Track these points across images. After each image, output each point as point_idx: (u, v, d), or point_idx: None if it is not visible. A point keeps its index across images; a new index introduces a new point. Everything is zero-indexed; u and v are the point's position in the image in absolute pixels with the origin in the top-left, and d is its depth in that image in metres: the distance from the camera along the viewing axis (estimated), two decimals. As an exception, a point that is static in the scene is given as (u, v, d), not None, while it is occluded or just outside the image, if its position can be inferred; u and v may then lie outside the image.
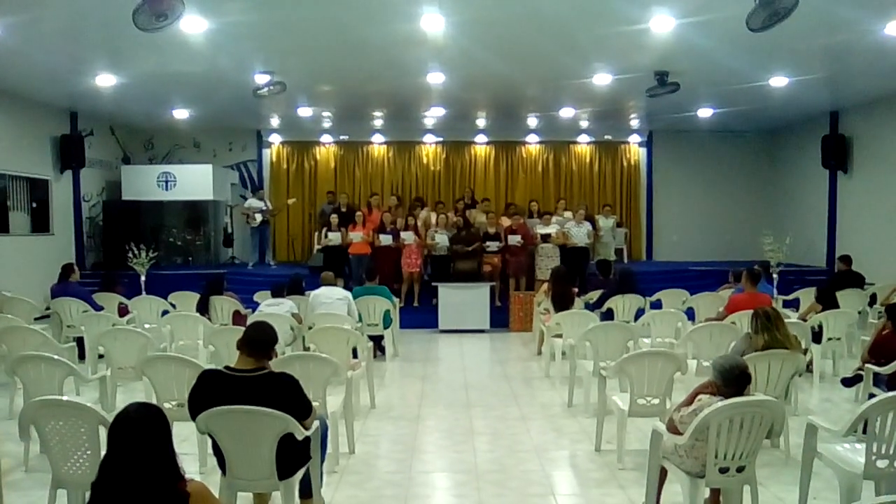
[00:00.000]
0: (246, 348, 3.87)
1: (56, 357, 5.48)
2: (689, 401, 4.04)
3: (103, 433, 3.91)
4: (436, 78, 11.17)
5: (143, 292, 11.34)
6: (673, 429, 4.01)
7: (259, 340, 3.92)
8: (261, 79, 10.70)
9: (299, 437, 3.78)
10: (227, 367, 3.86)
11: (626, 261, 15.61)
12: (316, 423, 4.06)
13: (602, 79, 11.24)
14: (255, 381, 3.75)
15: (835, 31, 8.82)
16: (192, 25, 8.17)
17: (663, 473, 4.27)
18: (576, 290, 9.69)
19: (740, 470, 3.88)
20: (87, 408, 3.84)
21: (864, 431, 4.05)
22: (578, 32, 8.96)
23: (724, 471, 3.85)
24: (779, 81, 11.48)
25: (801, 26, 8.28)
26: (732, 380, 3.82)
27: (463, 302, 11.91)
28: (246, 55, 9.88)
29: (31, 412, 3.86)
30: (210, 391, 3.75)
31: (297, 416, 3.76)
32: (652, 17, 8.24)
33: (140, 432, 2.57)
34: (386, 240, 12.55)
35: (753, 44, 9.19)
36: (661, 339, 8.06)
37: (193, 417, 3.75)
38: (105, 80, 11.03)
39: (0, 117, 11.98)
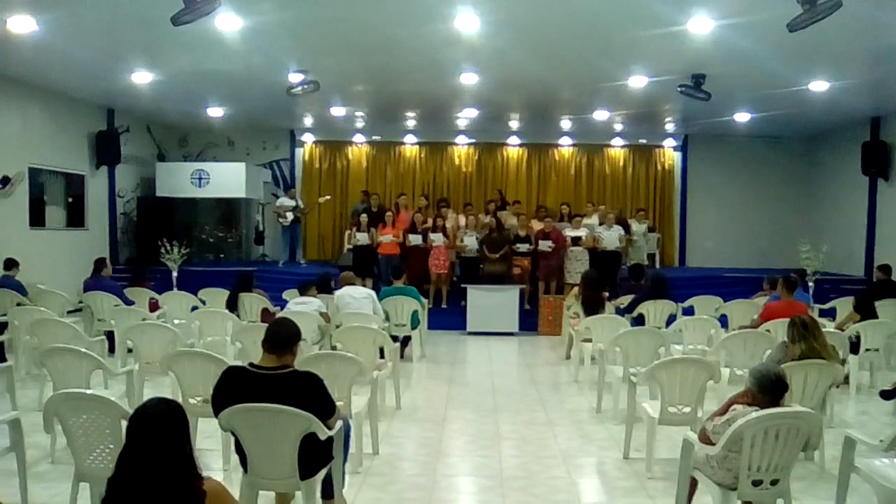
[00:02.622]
0: (268, 345, 3.83)
1: (83, 350, 5.49)
2: (723, 410, 3.92)
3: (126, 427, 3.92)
4: (469, 79, 11.11)
5: (175, 288, 11.45)
6: (705, 439, 3.90)
7: (281, 337, 3.87)
8: (294, 78, 10.72)
9: (322, 437, 3.73)
10: (251, 364, 3.82)
11: (657, 266, 15.39)
12: (339, 423, 4.01)
13: (637, 81, 11.08)
14: (278, 379, 3.71)
15: (878, 35, 8.60)
16: (228, 23, 8.21)
17: (694, 484, 4.15)
18: (606, 294, 9.55)
19: (774, 483, 3.76)
20: (110, 401, 3.83)
21: (906, 447, 3.90)
22: (614, 34, 8.84)
23: (757, 483, 3.73)
24: (819, 86, 11.23)
25: (843, 30, 8.10)
26: (769, 387, 3.70)
27: (491, 304, 11.82)
28: (280, 54, 9.90)
29: (54, 405, 3.86)
30: (233, 388, 3.71)
31: (321, 415, 3.71)
32: (690, 18, 8.09)
33: (157, 428, 2.53)
34: (415, 240, 12.52)
35: (794, 47, 9.02)
36: (694, 346, 7.91)
37: (216, 414, 3.71)
38: (141, 78, 11.14)
39: (38, 113, 12.17)
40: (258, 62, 10.19)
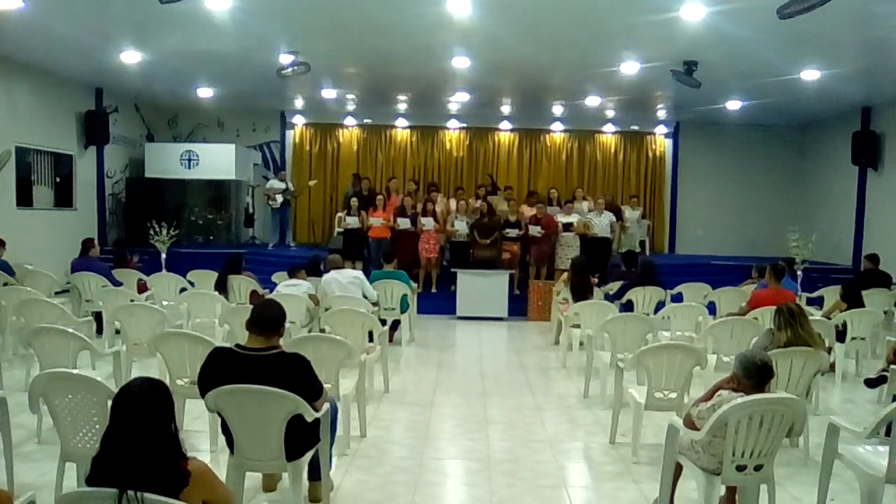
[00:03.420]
0: (254, 327, 3.82)
1: (70, 330, 5.46)
2: (709, 396, 3.94)
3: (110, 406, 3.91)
4: (461, 62, 11.06)
5: (163, 269, 11.41)
6: (690, 424, 3.92)
7: (266, 319, 3.85)
8: (285, 59, 10.64)
9: (309, 419, 3.73)
10: (237, 346, 3.81)
11: (647, 253, 15.41)
12: (326, 406, 4.01)
13: (630, 67, 11.06)
14: (265, 361, 3.70)
15: (869, 25, 8.61)
16: (217, 2, 8.12)
17: (678, 469, 4.17)
18: (595, 280, 9.58)
19: (758, 468, 3.78)
20: (97, 382, 3.82)
21: (888, 434, 3.93)
22: (608, 19, 8.81)
23: (741, 469, 3.75)
24: (810, 75, 11.25)
25: (835, 19, 8.10)
26: (754, 373, 3.72)
27: (481, 289, 11.82)
28: (271, 34, 9.82)
29: (40, 385, 3.85)
30: (220, 369, 3.70)
31: (308, 397, 3.71)
32: (682, 5, 8.07)
33: (142, 407, 2.52)
34: (404, 224, 12.50)
35: (786, 35, 9.03)
36: (681, 333, 7.95)
37: (203, 395, 3.71)
38: (130, 57, 11.03)
39: (26, 92, 12.06)
40: (248, 42, 10.10)
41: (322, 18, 9.12)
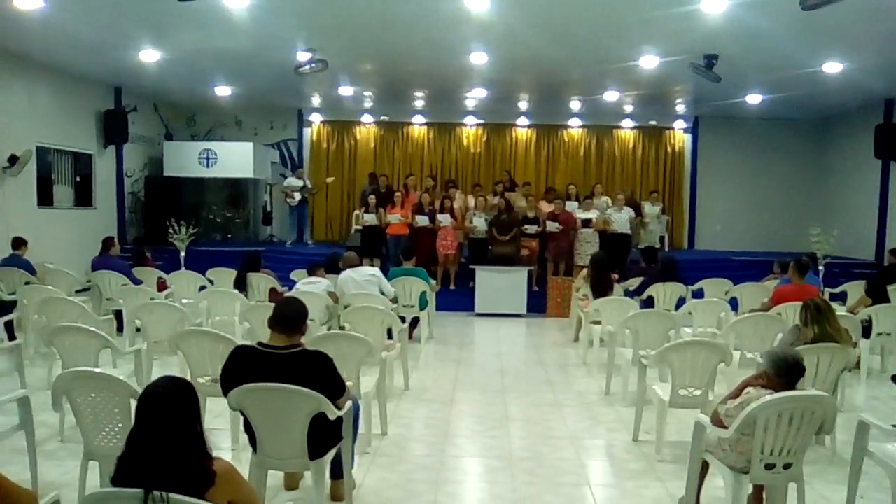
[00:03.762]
0: (276, 325, 3.79)
1: (91, 328, 5.49)
2: (737, 393, 3.88)
3: (135, 406, 3.90)
4: (479, 58, 11.01)
5: (182, 268, 11.44)
6: (718, 422, 3.85)
7: (288, 316, 3.83)
8: (302, 56, 10.63)
9: (331, 417, 3.70)
10: (259, 344, 3.79)
11: (667, 248, 15.30)
12: (348, 404, 3.98)
13: (649, 61, 10.95)
14: (287, 359, 3.68)
15: (893, 15, 8.44)
16: (236, 0, 8.12)
17: (705, 467, 4.12)
18: (615, 276, 9.50)
19: (787, 467, 3.72)
20: (119, 380, 3.81)
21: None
22: (627, 13, 8.71)
23: (769, 467, 3.69)
24: (833, 67, 11.09)
25: (859, 10, 7.97)
26: (785, 370, 3.65)
27: (500, 286, 11.77)
28: (288, 32, 9.81)
29: (63, 383, 3.85)
30: (242, 367, 3.69)
31: (330, 395, 3.68)
32: (703, -3, 7.98)
33: (167, 407, 2.50)
34: (422, 221, 12.47)
35: (808, 27, 8.90)
36: (704, 329, 7.86)
37: (225, 393, 3.70)
38: (149, 56, 11.07)
39: (46, 92, 12.13)
40: (266, 40, 10.10)
41: (339, 15, 9.09)
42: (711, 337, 7.13)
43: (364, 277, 8.11)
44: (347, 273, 8.24)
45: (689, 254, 16.06)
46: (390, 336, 6.94)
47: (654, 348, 6.46)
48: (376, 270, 8.41)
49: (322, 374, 3.71)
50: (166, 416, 2.48)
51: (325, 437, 3.81)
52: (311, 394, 3.59)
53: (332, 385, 3.74)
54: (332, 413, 3.70)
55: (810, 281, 8.25)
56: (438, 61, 11.55)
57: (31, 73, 11.70)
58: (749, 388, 3.82)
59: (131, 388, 3.75)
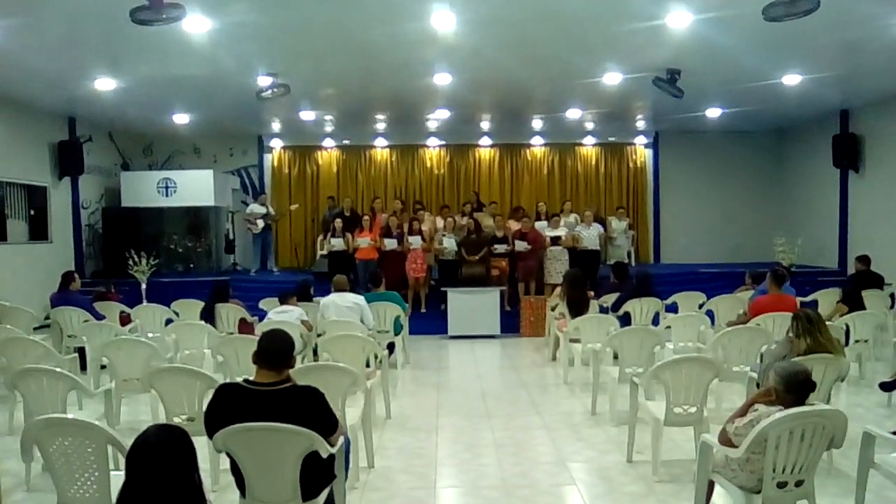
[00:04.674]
0: (263, 361, 3.57)
1: (59, 370, 5.19)
2: (744, 411, 3.77)
3: (111, 452, 3.65)
4: (443, 79, 10.92)
5: (144, 300, 11.11)
6: (726, 441, 3.73)
7: (275, 351, 3.61)
8: (264, 81, 10.43)
9: (324, 455, 3.50)
10: (246, 381, 3.57)
11: (633, 263, 15.33)
12: (341, 440, 3.78)
13: (612, 78, 10.99)
14: (277, 396, 3.47)
15: (853, 26, 8.58)
16: (195, 25, 7.91)
17: (710, 487, 4.00)
18: (591, 293, 9.43)
19: (799, 484, 3.62)
20: (95, 426, 3.56)
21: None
22: (592, 30, 8.71)
23: (782, 485, 3.58)
24: (792, 79, 11.26)
25: (819, 21, 7.99)
26: (795, 386, 3.56)
27: (472, 307, 11.63)
28: (249, 57, 9.61)
29: (34, 431, 3.58)
30: (229, 407, 3.46)
31: (323, 432, 3.48)
32: (669, 13, 8.00)
33: (162, 459, 2.29)
34: (391, 244, 12.30)
35: (769, 40, 9.00)
36: (684, 344, 7.80)
37: (210, 435, 3.47)
38: (104, 85, 10.76)
39: (-3, 123, 11.73)
40: (227, 66, 9.87)
41: (302, 39, 8.96)
42: (696, 351, 7.07)
43: (347, 304, 7.91)
44: (332, 297, 8.04)
45: (655, 268, 16.07)
46: (368, 364, 6.74)
47: (640, 366, 6.40)
48: (361, 299, 8.17)
49: (314, 411, 3.50)
50: (162, 468, 2.27)
51: (317, 476, 3.60)
52: (304, 432, 3.38)
53: (325, 421, 3.54)
54: (326, 451, 3.50)
55: (786, 291, 8.27)
56: (402, 83, 11.43)
57: (-19, 105, 11.31)
58: (757, 405, 3.72)
59: (108, 433, 3.50)
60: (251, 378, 3.58)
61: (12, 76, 10.39)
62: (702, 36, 8.77)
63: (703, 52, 9.61)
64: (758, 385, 5.51)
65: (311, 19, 8.15)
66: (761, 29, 8.04)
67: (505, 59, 9.80)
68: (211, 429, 3.46)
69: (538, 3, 7.75)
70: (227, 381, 6.26)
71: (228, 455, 3.52)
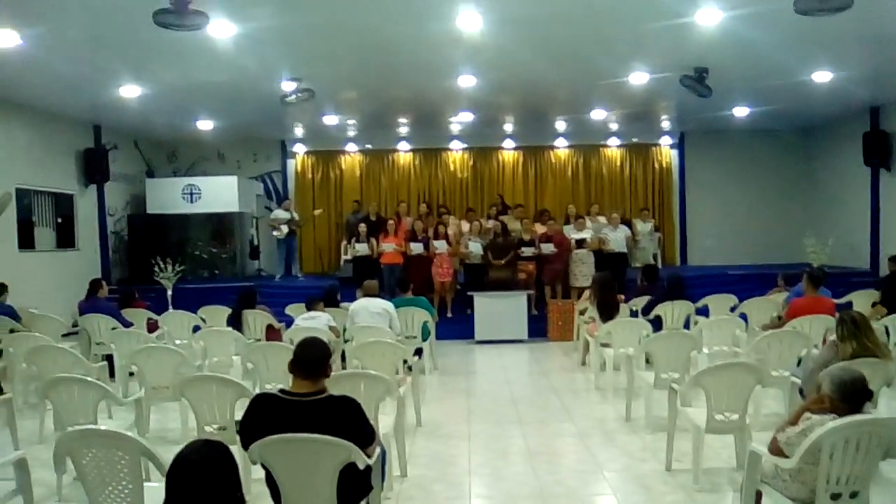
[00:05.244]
0: (299, 370, 3.50)
1: (89, 379, 5.16)
2: (795, 420, 3.63)
3: (145, 464, 3.59)
4: (467, 81, 10.83)
5: (170, 307, 11.11)
6: (777, 450, 3.60)
7: (311, 359, 3.54)
8: (288, 86, 10.40)
9: (361, 467, 3.41)
10: (282, 391, 3.49)
11: (660, 265, 15.14)
12: (377, 450, 3.70)
13: (638, 77, 10.84)
14: (313, 406, 3.39)
15: (886, 22, 8.37)
16: (221, 30, 7.88)
17: (758, 498, 3.86)
18: (621, 297, 9.29)
19: (854, 496, 3.47)
20: (129, 437, 3.50)
21: None
22: (619, 28, 8.58)
23: (836, 497, 3.44)
24: (822, 76, 11.03)
25: (853, 17, 7.81)
26: (852, 395, 3.42)
27: (499, 311, 11.52)
28: (273, 61, 9.58)
29: (67, 443, 3.52)
30: (264, 418, 3.39)
31: (360, 442, 3.39)
32: (698, 9, 7.85)
33: (204, 477, 2.21)
34: (417, 248, 12.22)
35: (801, 36, 8.83)
36: (719, 348, 7.63)
37: (245, 446, 3.40)
38: (129, 92, 10.79)
39: (24, 132, 11.79)
40: (251, 70, 9.85)
41: (326, 42, 8.91)
42: (732, 355, 6.91)
43: (377, 310, 7.84)
44: (362, 302, 7.97)
45: (682, 270, 15.92)
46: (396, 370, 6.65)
47: (676, 371, 6.26)
48: (390, 305, 8.10)
49: (351, 421, 3.42)
50: (205, 486, 2.19)
51: (354, 488, 3.52)
52: (342, 443, 3.30)
53: (362, 432, 3.46)
54: (363, 462, 3.41)
55: (822, 293, 8.08)
56: (425, 85, 11.37)
57: (9, 114, 11.36)
58: (808, 413, 3.58)
59: (142, 445, 3.44)
60: (287, 388, 3.49)
61: (39, 84, 10.45)
62: (731, 33, 8.61)
63: (731, 50, 9.45)
64: (800, 391, 5.37)
65: (335, 21, 8.09)
66: (792, 24, 7.88)
67: (530, 60, 9.69)
68: (246, 440, 3.40)
69: (567, 3, 7.65)
70: (258, 388, 6.23)
71: (264, 466, 3.44)
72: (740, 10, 7.85)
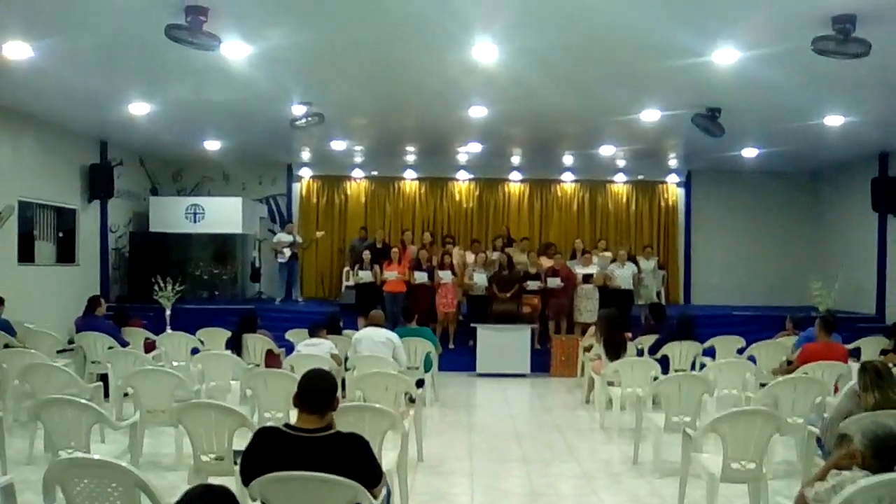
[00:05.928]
0: (305, 405, 3.33)
1: (83, 401, 4.98)
2: (823, 475, 3.47)
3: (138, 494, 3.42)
4: (478, 111, 10.76)
5: (168, 327, 10.95)
6: (804, 507, 3.44)
7: (317, 392, 3.36)
8: (298, 110, 10.34)
9: (366, 509, 3.24)
10: (287, 426, 3.32)
11: (663, 304, 14.99)
12: (384, 491, 3.52)
13: (650, 115, 10.79)
14: (320, 443, 3.22)
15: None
16: (234, 51, 7.80)
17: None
18: (628, 334, 9.13)
19: (884, 557, 3.30)
20: (123, 468, 3.33)
21: None
22: (636, 65, 8.50)
23: (865, 558, 3.27)
24: (834, 120, 10.98)
25: (870, 62, 7.76)
26: (885, 451, 3.26)
27: (502, 344, 11.35)
28: (285, 84, 9.49)
29: (59, 471, 3.36)
30: (268, 453, 3.22)
31: (367, 483, 3.22)
32: (716, 49, 7.79)
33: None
34: (421, 277, 12.08)
35: (816, 79, 8.76)
36: (728, 391, 7.45)
37: (246, 482, 3.23)
38: (138, 109, 10.71)
39: (30, 145, 11.69)
40: (262, 92, 9.76)
41: (340, 68, 8.83)
42: (745, 400, 6.74)
43: (381, 339, 7.68)
44: (366, 332, 7.82)
45: (686, 309, 15.73)
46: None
47: (686, 414, 6.10)
48: (394, 336, 7.93)
49: (359, 460, 3.25)
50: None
51: (358, 529, 3.34)
52: (348, 483, 3.14)
53: (370, 472, 3.28)
54: (369, 503, 3.24)
55: (833, 339, 7.93)
56: (436, 114, 11.30)
57: (17, 126, 11.27)
58: (838, 469, 3.41)
59: (137, 477, 3.27)
60: (291, 423, 3.33)
61: (49, 98, 10.38)
62: (747, 73, 8.53)
63: (746, 91, 9.38)
64: (818, 441, 5.20)
65: (350, 47, 8.02)
66: (808, 66, 7.86)
67: (544, 93, 9.61)
68: (247, 475, 3.23)
69: (584, 38, 7.58)
70: (256, 416, 6.06)
71: (264, 504, 3.27)
72: (758, 51, 7.78)
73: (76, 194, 13.12)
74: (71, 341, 9.76)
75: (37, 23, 7.19)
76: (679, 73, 8.63)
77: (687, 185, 17.38)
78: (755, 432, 4.67)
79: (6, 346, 8.51)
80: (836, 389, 6.84)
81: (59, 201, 12.71)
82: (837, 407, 5.02)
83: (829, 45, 6.92)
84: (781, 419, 4.79)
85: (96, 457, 3.51)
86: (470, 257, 12.98)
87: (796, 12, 6.63)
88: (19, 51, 7.83)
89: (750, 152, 14.02)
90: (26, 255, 11.80)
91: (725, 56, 7.94)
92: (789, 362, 8.13)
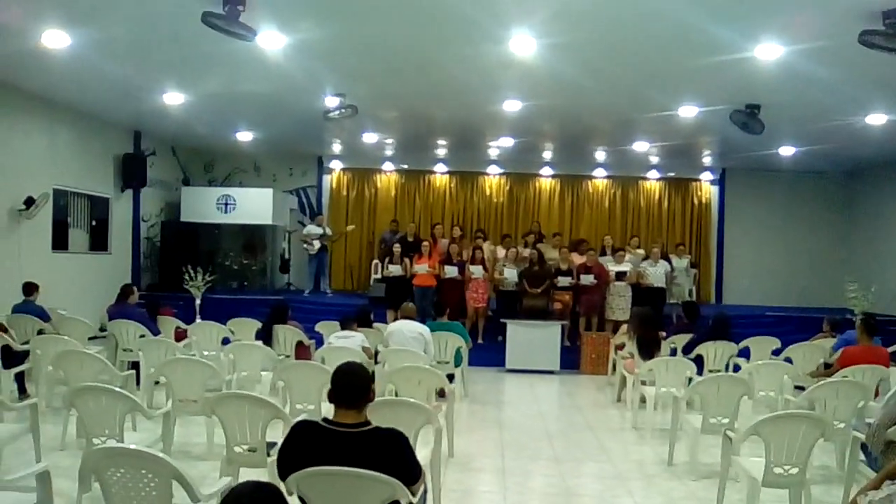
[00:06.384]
0: (341, 400, 3.25)
1: (118, 389, 4.98)
2: (878, 483, 3.34)
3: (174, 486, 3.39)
4: (512, 105, 10.65)
5: (198, 316, 10.99)
6: (857, 516, 3.31)
7: (353, 387, 3.28)
8: (332, 102, 10.30)
9: (404, 504, 3.18)
10: (325, 420, 3.25)
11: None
12: (422, 488, 3.46)
13: (687, 111, 10.61)
14: (357, 439, 3.16)
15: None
16: (269, 41, 7.77)
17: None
18: (662, 333, 8.99)
19: (940, 571, 3.17)
20: (161, 459, 3.30)
21: None
22: (676, 61, 8.35)
23: (921, 571, 3.14)
24: (877, 119, 10.72)
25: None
26: (945, 463, 3.13)
27: (532, 340, 11.25)
28: (319, 76, 9.44)
29: (95, 460, 3.34)
30: (304, 447, 3.16)
31: (406, 480, 3.15)
32: (758, 44, 7.62)
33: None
34: (452, 272, 12.01)
35: (861, 75, 8.52)
36: (765, 394, 7.29)
37: (282, 476, 3.17)
38: (172, 99, 10.74)
39: (65, 134, 11.81)
40: (295, 84, 9.73)
41: (373, 58, 8.76)
42: (784, 403, 6.59)
43: (413, 334, 7.62)
44: (398, 325, 7.77)
45: (717, 309, 15.49)
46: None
47: (725, 416, 5.97)
48: (426, 330, 7.85)
49: (398, 457, 3.18)
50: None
51: (394, 527, 3.27)
52: (386, 479, 3.07)
53: (409, 468, 3.21)
54: (407, 500, 3.17)
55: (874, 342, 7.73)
56: (469, 108, 11.19)
57: (53, 115, 11.38)
58: (891, 480, 3.28)
59: (173, 468, 3.24)
60: (329, 417, 3.27)
61: (84, 88, 10.46)
62: (789, 69, 8.34)
63: (787, 87, 9.19)
64: (863, 447, 5.04)
65: (386, 39, 7.97)
66: (854, 63, 7.68)
67: (580, 87, 9.46)
68: (284, 469, 3.17)
69: (622, 32, 7.45)
70: (288, 408, 6.02)
71: (301, 499, 3.21)
72: (801, 45, 7.60)
73: (109, 183, 13.23)
74: (103, 329, 9.82)
75: (75, 10, 7.20)
76: (719, 69, 8.45)
77: (721, 182, 17.11)
78: (799, 437, 4.54)
79: (40, 331, 8.56)
80: (878, 394, 6.66)
81: (93, 190, 12.82)
82: (885, 412, 4.85)
83: (877, 39, 6.74)
84: (827, 424, 4.66)
85: (132, 446, 3.48)
86: (500, 252, 12.88)
87: (846, 6, 6.45)
88: (57, 39, 7.86)
89: (787, 150, 13.76)
90: (60, 242, 11.93)
91: (768, 51, 7.77)
92: (827, 365, 7.97)
